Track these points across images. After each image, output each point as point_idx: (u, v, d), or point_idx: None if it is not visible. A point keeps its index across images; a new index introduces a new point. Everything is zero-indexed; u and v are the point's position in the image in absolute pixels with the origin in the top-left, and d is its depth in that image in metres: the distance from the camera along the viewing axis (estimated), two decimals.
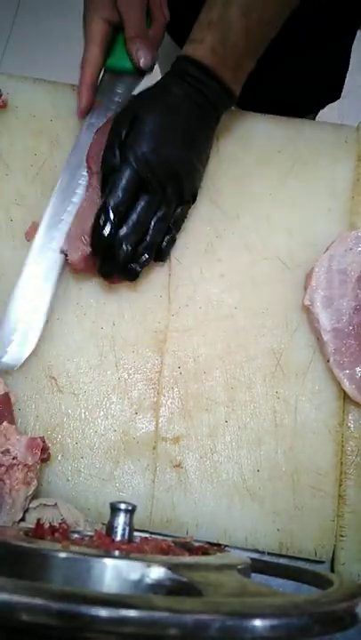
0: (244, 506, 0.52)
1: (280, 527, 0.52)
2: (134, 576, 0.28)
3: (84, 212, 0.55)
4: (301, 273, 0.58)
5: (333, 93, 0.83)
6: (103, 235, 0.52)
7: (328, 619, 0.24)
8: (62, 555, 0.29)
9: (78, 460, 0.53)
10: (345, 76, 0.82)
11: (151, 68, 0.58)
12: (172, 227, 0.56)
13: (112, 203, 0.51)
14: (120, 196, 0.51)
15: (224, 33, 0.51)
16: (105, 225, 0.52)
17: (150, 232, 0.54)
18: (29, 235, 0.59)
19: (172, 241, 0.57)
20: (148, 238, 0.54)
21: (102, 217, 0.52)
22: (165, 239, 0.56)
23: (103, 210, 0.52)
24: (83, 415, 0.54)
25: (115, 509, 0.35)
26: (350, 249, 0.56)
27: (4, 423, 0.49)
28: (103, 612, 0.22)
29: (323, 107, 0.86)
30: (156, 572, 0.28)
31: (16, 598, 0.22)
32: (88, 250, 0.54)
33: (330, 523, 0.52)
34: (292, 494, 0.52)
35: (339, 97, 0.84)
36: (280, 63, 0.56)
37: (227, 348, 0.56)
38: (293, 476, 0.53)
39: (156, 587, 0.28)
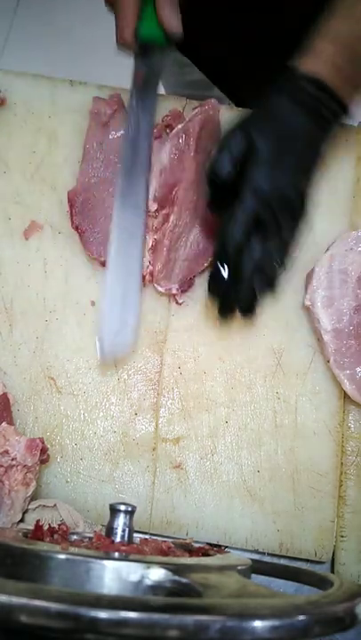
0: (244, 506, 0.52)
1: (280, 528, 0.51)
2: (134, 577, 0.28)
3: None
4: (302, 273, 0.58)
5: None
6: (221, 279, 0.50)
7: (328, 619, 0.24)
8: (62, 556, 0.29)
9: (78, 462, 0.53)
10: None
11: (180, 37, 0.56)
12: (281, 259, 0.52)
13: (230, 246, 0.49)
14: (237, 238, 0.49)
15: (351, 48, 0.47)
16: (222, 268, 0.50)
17: (265, 268, 0.50)
18: (28, 233, 0.58)
19: (278, 274, 0.52)
20: (264, 273, 0.51)
21: (219, 260, 0.50)
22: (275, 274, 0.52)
23: (220, 253, 0.50)
24: (82, 416, 0.54)
25: (114, 511, 0.35)
26: (351, 249, 0.56)
27: (3, 424, 0.49)
28: (103, 614, 0.21)
29: None
30: (156, 574, 0.28)
31: (15, 600, 0.22)
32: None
33: (330, 523, 0.52)
34: (293, 495, 0.52)
35: None
36: (281, 69, 0.55)
37: (227, 347, 0.56)
38: (294, 477, 0.53)
39: (156, 588, 0.28)
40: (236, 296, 0.51)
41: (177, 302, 0.57)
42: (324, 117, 0.50)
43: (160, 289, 0.56)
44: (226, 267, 0.50)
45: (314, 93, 0.48)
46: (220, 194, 0.51)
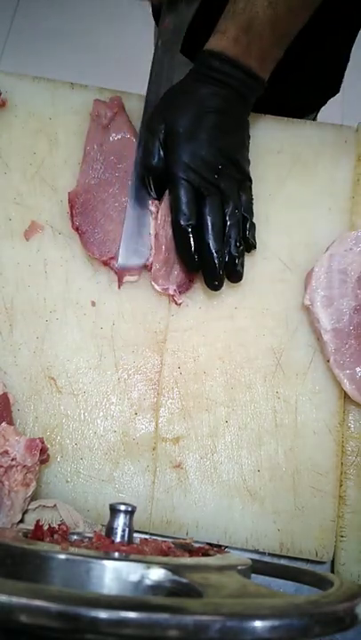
0: (244, 506, 0.52)
1: (280, 527, 0.51)
2: (134, 577, 0.28)
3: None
4: (301, 273, 0.58)
5: (333, 89, 0.84)
6: (191, 254, 0.54)
7: (328, 619, 0.24)
8: (62, 556, 0.29)
9: (78, 462, 0.53)
10: (345, 71, 0.82)
11: None
12: (246, 214, 0.56)
13: (183, 222, 0.53)
14: (186, 212, 0.53)
15: (249, 23, 0.51)
16: (187, 245, 0.53)
17: (228, 229, 0.54)
18: (28, 234, 0.59)
19: (253, 227, 0.57)
20: (231, 235, 0.54)
21: (180, 239, 0.54)
22: (247, 227, 0.56)
23: (178, 232, 0.54)
24: (82, 416, 0.54)
25: (114, 511, 0.35)
26: (350, 249, 0.56)
27: (3, 424, 0.49)
28: (103, 614, 0.21)
29: (324, 103, 0.87)
30: (156, 574, 0.28)
31: (15, 600, 0.22)
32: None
33: (330, 523, 0.52)
34: (293, 494, 0.52)
35: (338, 91, 0.84)
36: (281, 62, 0.56)
37: (227, 348, 0.56)
38: (294, 477, 0.53)
39: (156, 588, 0.28)
40: (212, 265, 0.54)
41: (176, 303, 0.57)
42: (231, 86, 0.54)
43: (157, 287, 0.56)
44: (190, 243, 0.53)
45: (217, 66, 0.53)
46: (158, 178, 0.55)
